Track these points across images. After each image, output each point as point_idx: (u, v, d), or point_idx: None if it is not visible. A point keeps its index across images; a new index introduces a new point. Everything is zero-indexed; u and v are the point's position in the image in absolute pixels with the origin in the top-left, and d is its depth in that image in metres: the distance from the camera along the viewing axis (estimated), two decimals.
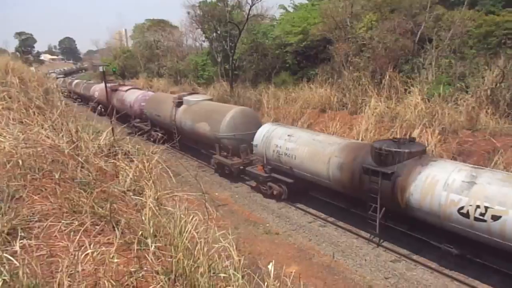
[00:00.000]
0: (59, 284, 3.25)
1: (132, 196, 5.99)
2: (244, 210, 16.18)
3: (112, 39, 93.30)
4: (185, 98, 23.34)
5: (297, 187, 15.95)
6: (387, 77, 21.26)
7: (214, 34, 38.74)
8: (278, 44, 32.04)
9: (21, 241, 3.85)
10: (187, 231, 4.22)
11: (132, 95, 30.47)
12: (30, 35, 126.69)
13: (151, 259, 3.87)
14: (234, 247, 4.31)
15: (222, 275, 3.93)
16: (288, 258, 12.13)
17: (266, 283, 3.88)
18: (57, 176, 5.50)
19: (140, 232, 4.30)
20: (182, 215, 4.93)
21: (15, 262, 3.43)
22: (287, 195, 16.37)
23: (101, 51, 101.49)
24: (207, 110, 21.23)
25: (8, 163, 5.58)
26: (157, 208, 5.20)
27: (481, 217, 9.55)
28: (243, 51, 35.65)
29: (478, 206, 9.59)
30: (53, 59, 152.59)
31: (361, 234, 13.46)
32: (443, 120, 17.10)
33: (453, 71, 19.50)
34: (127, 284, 3.59)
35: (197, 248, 4.03)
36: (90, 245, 3.86)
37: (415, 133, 17.03)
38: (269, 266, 3.96)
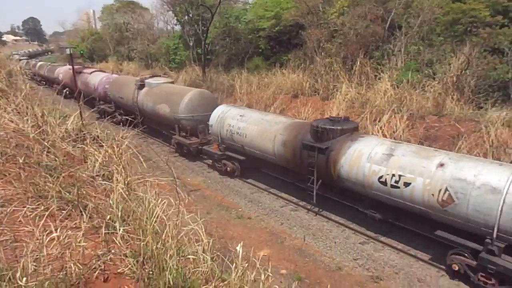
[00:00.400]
0: (23, 268, 3.20)
1: (101, 181, 5.90)
2: (217, 195, 16.21)
3: (79, 20, 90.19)
4: (146, 80, 24.09)
5: (248, 164, 17.10)
6: (358, 63, 21.53)
7: (186, 17, 37.92)
8: (251, 29, 31.76)
9: None
10: (155, 215, 4.22)
11: (96, 78, 30.90)
12: None
13: (119, 243, 3.85)
14: (203, 229, 4.34)
15: (191, 257, 3.97)
16: (260, 242, 12.29)
17: (234, 264, 3.94)
18: (21, 161, 5.36)
19: (108, 216, 4.27)
20: (152, 200, 4.91)
21: None
22: (240, 171, 17.49)
23: (68, 33, 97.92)
24: (167, 92, 21.96)
25: None
26: (127, 193, 5.15)
27: (395, 184, 10.89)
28: (216, 35, 35.17)
29: (393, 175, 10.92)
30: (16, 40, 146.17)
31: (332, 218, 13.80)
32: (411, 106, 17.54)
33: (421, 58, 19.92)
34: (94, 267, 3.57)
35: (165, 231, 4.03)
36: (56, 229, 3.81)
37: (384, 119, 17.45)
38: (238, 248, 4.02)
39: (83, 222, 4.20)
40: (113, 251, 3.83)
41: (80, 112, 9.97)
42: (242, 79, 28.16)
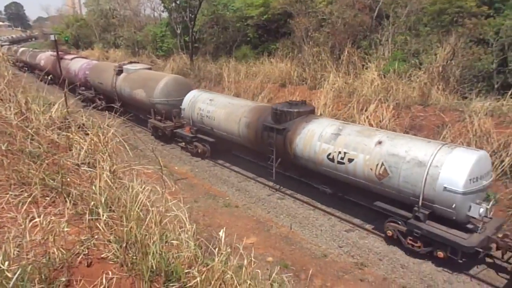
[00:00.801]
0: (6, 253, 3.21)
1: (86, 169, 5.87)
2: (204, 184, 16.25)
3: (64, 6, 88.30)
4: (125, 66, 25.00)
5: (218, 146, 18.38)
6: (346, 52, 21.55)
7: (173, 4, 37.25)
8: (239, 17, 31.49)
9: None
10: (139, 202, 4.24)
11: (77, 64, 31.69)
12: None
13: (103, 228, 3.87)
14: (187, 215, 4.38)
15: (175, 242, 4.01)
16: (247, 230, 12.41)
17: (217, 249, 4.00)
18: (3, 147, 5.30)
19: (92, 203, 4.27)
20: (137, 187, 4.92)
21: None
22: (210, 153, 18.79)
23: (52, 19, 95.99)
24: (144, 78, 22.81)
25: None
26: (112, 180, 5.14)
27: (341, 161, 12.08)
28: (204, 23, 34.76)
29: (339, 152, 12.11)
30: None
31: (318, 206, 13.96)
32: (397, 95, 17.68)
33: (408, 48, 20.04)
34: (78, 252, 3.59)
35: (149, 217, 4.06)
36: (39, 216, 3.81)
37: (370, 108, 17.58)
38: (220, 233, 4.08)
39: (67, 208, 4.20)
40: (96, 236, 3.85)
41: (66, 99, 9.86)
42: (230, 68, 27.98)
